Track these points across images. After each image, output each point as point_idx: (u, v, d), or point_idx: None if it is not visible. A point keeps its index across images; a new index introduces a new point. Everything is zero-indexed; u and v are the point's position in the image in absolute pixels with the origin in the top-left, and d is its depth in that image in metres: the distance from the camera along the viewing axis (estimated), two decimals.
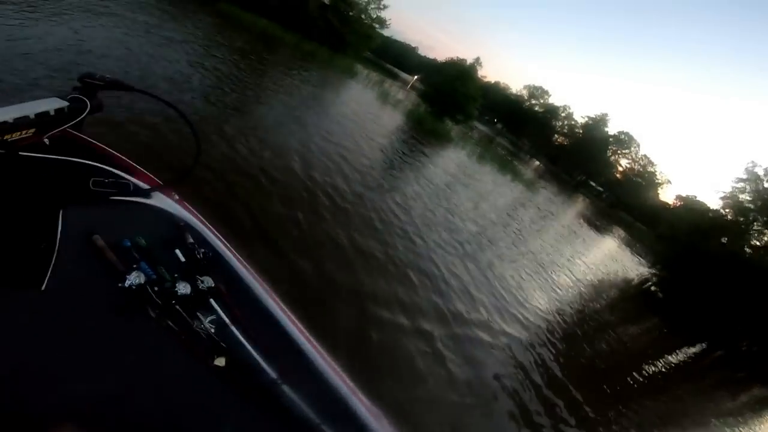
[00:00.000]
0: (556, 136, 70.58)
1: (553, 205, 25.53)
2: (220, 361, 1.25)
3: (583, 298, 11.27)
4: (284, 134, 7.97)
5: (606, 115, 66.12)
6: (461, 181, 14.66)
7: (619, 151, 66.76)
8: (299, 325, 1.54)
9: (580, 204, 43.49)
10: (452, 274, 6.60)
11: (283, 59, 16.88)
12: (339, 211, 6.18)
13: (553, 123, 70.53)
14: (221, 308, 1.41)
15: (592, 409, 5.61)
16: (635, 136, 68.67)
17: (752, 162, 19.55)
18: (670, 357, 12.19)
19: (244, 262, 1.70)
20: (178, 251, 1.50)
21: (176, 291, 1.30)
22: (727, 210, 19.88)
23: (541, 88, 73.96)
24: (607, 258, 20.00)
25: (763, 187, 18.83)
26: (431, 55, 75.29)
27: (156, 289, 1.27)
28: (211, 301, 1.41)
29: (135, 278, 1.24)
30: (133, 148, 4.59)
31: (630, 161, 66.75)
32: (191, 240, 1.58)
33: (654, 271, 19.97)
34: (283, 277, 4.00)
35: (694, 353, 14.49)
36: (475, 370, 4.67)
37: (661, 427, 6.70)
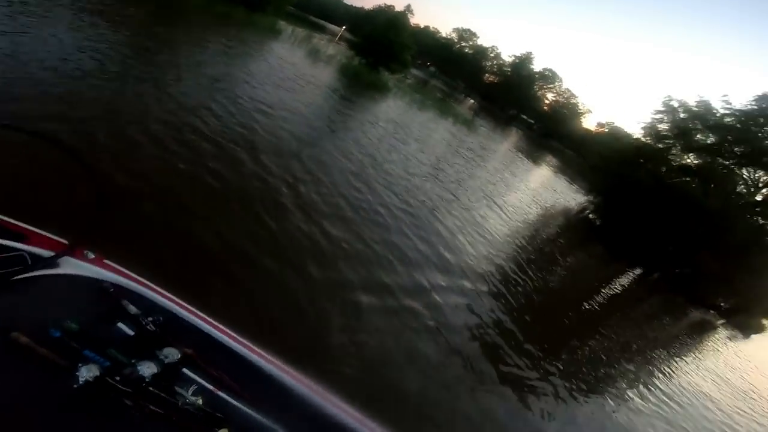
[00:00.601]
0: (486, 75, 72.11)
1: (491, 142, 26.47)
2: None
3: (529, 230, 12.07)
4: (216, 117, 6.95)
5: (531, 53, 68.51)
6: (405, 128, 14.55)
7: (544, 86, 70.26)
8: (288, 368, 1.44)
9: (514, 136, 45.67)
10: (405, 212, 7.29)
11: (195, 28, 14.67)
12: (302, 200, 5.67)
13: (483, 63, 71.72)
14: (199, 375, 1.26)
15: (543, 340, 6.23)
16: (558, 73, 72.00)
17: (668, 96, 21.48)
18: (612, 283, 13.63)
19: (206, 317, 1.48)
20: (121, 324, 1.27)
21: (141, 375, 1.14)
22: (647, 138, 21.94)
23: (469, 30, 74.20)
24: (544, 188, 21.44)
25: (679, 117, 20.83)
26: (358, 4, 70.99)
27: (117, 378, 1.10)
28: (185, 370, 1.25)
29: (87, 372, 1.06)
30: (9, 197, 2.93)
31: (555, 95, 70.72)
32: (133, 308, 1.33)
33: (590, 199, 21.61)
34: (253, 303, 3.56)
35: (635, 277, 16.33)
36: (425, 299, 5.09)
37: (610, 356, 7.53)
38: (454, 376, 4.13)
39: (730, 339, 17.12)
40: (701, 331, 15.59)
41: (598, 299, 10.70)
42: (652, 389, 7.32)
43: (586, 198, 22.09)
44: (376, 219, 6.39)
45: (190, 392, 1.20)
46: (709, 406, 8.28)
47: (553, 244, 12.54)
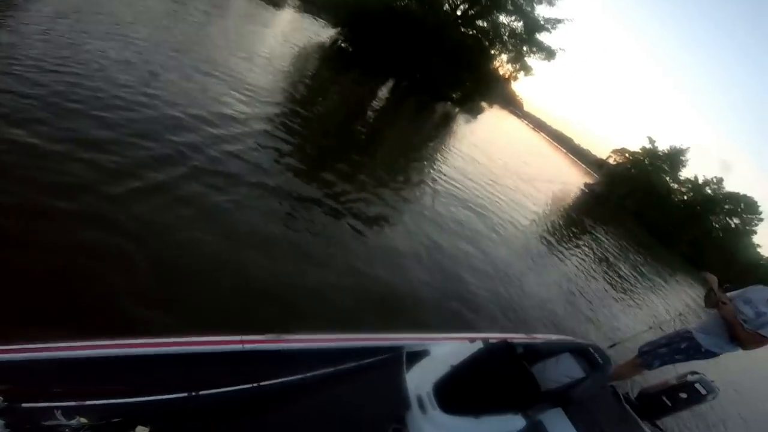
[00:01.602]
0: None
1: None
2: None
3: (292, 71, 11.92)
4: None
5: None
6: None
7: None
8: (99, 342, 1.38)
9: None
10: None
11: None
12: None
13: None
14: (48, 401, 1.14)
15: (334, 160, 6.97)
16: None
17: None
18: (375, 97, 15.51)
19: None
20: None
21: None
22: None
23: None
24: (294, 30, 20.51)
25: None
26: None
27: None
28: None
29: None
30: None
31: None
32: None
33: (339, 31, 22.37)
34: None
35: (390, 88, 18.95)
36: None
37: (390, 163, 9.15)
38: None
39: (466, 122, 23.48)
40: (447, 119, 20.77)
41: (368, 112, 12.36)
42: (429, 171, 9.64)
43: (335, 31, 22.49)
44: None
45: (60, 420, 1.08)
46: (469, 173, 11.59)
47: (317, 77, 12.81)
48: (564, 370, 2.43)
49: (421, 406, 1.85)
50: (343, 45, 22.11)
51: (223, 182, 4.40)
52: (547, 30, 22.93)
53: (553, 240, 10.82)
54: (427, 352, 2.28)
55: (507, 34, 23.42)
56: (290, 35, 17.98)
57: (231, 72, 8.43)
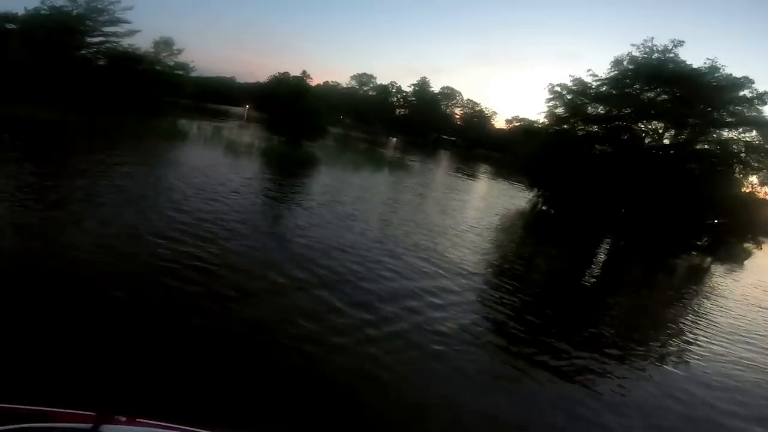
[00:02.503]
0: (397, 110, 75.88)
1: (427, 173, 27.00)
2: None
3: (503, 240, 11.90)
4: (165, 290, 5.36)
5: (425, 78, 73.97)
6: (352, 197, 13.80)
7: (449, 104, 75.70)
8: None
9: (444, 159, 47.55)
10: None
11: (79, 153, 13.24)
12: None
13: (390, 100, 75.53)
14: None
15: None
16: (455, 88, 78.28)
17: (550, 83, 23.64)
18: (595, 261, 13.73)
19: None
20: None
21: None
22: (548, 121, 24.40)
23: (365, 74, 78.30)
24: (494, 196, 21.99)
25: (568, 99, 23.22)
26: (252, 80, 72.17)
27: None
28: None
29: None
30: None
31: (460, 107, 76.30)
32: None
33: (536, 193, 22.35)
34: None
35: (608, 248, 16.66)
36: None
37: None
38: None
39: (727, 272, 17.53)
40: (697, 275, 15.98)
41: (582, 280, 10.75)
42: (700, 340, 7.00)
43: (533, 194, 22.72)
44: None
45: None
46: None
47: (523, 246, 12.66)
48: None
49: None
50: (543, 208, 21.70)
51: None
52: None
53: None
54: None
55: (743, 149, 18.69)
56: (491, 202, 19.51)
57: (448, 248, 9.36)
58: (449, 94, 76.18)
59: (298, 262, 6.63)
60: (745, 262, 19.10)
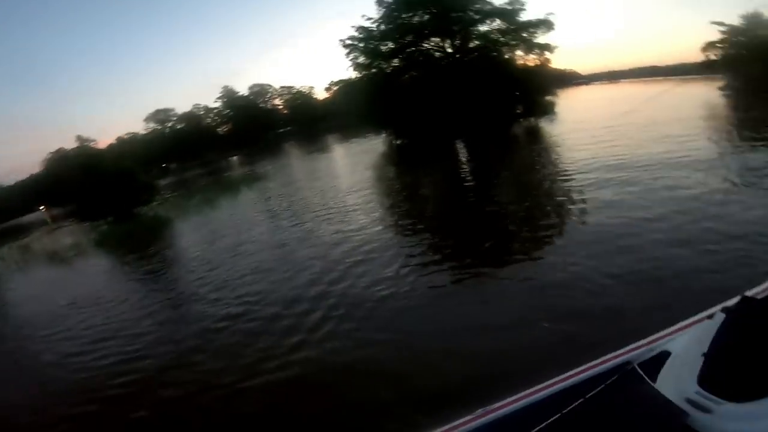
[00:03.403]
0: (218, 129, 70.63)
1: (285, 168, 26.32)
2: None
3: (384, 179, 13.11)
4: None
5: (228, 86, 69.45)
6: (229, 231, 12.65)
7: (266, 99, 73.94)
8: None
9: (293, 149, 46.67)
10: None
11: None
12: None
13: (204, 123, 69.52)
14: None
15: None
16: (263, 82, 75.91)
17: (340, 40, 27.43)
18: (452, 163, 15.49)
19: None
20: None
21: None
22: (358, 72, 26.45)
23: (159, 110, 69.12)
24: (355, 155, 22.87)
25: (361, 47, 25.04)
26: (23, 175, 57.91)
27: None
28: None
29: None
30: None
31: (279, 97, 75.10)
32: None
33: (385, 136, 24.88)
34: None
35: (463, 147, 18.94)
36: None
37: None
38: None
39: (551, 122, 21.47)
40: (533, 133, 19.43)
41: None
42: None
43: (382, 137, 24.76)
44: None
45: None
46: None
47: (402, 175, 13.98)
48: None
49: (701, 407, 1.60)
50: (398, 141, 24.14)
51: None
52: (523, 9, 22.49)
53: None
54: (665, 353, 2.03)
55: (500, 36, 23.28)
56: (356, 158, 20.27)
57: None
58: (260, 90, 72.98)
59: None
60: (556, 110, 23.84)
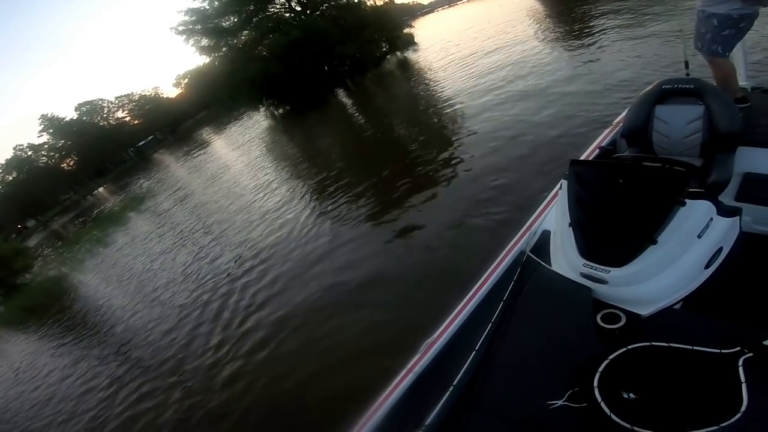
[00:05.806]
0: (63, 166, 59.06)
1: (167, 180, 24.08)
2: None
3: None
4: None
5: (49, 113, 57.52)
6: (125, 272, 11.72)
7: (106, 116, 62.55)
8: None
9: (166, 156, 41.57)
10: None
11: None
12: None
13: (39, 164, 57.17)
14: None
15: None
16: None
17: (170, 28, 28.18)
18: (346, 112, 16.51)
19: None
20: None
21: None
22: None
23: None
24: (238, 140, 22.05)
25: (201, 29, 23.52)
26: None
27: None
28: None
29: None
30: None
31: (123, 110, 64.52)
32: None
33: (265, 107, 24.67)
34: None
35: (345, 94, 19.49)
36: None
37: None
38: None
39: (414, 51, 22.70)
40: (404, 65, 20.39)
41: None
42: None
43: (262, 110, 24.36)
44: None
45: None
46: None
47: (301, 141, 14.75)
48: (682, 120, 2.04)
49: (596, 279, 1.59)
50: (279, 111, 23.92)
51: None
52: None
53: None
54: (546, 233, 2.03)
55: None
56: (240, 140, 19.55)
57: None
58: (91, 108, 60.57)
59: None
60: (415, 41, 24.91)
